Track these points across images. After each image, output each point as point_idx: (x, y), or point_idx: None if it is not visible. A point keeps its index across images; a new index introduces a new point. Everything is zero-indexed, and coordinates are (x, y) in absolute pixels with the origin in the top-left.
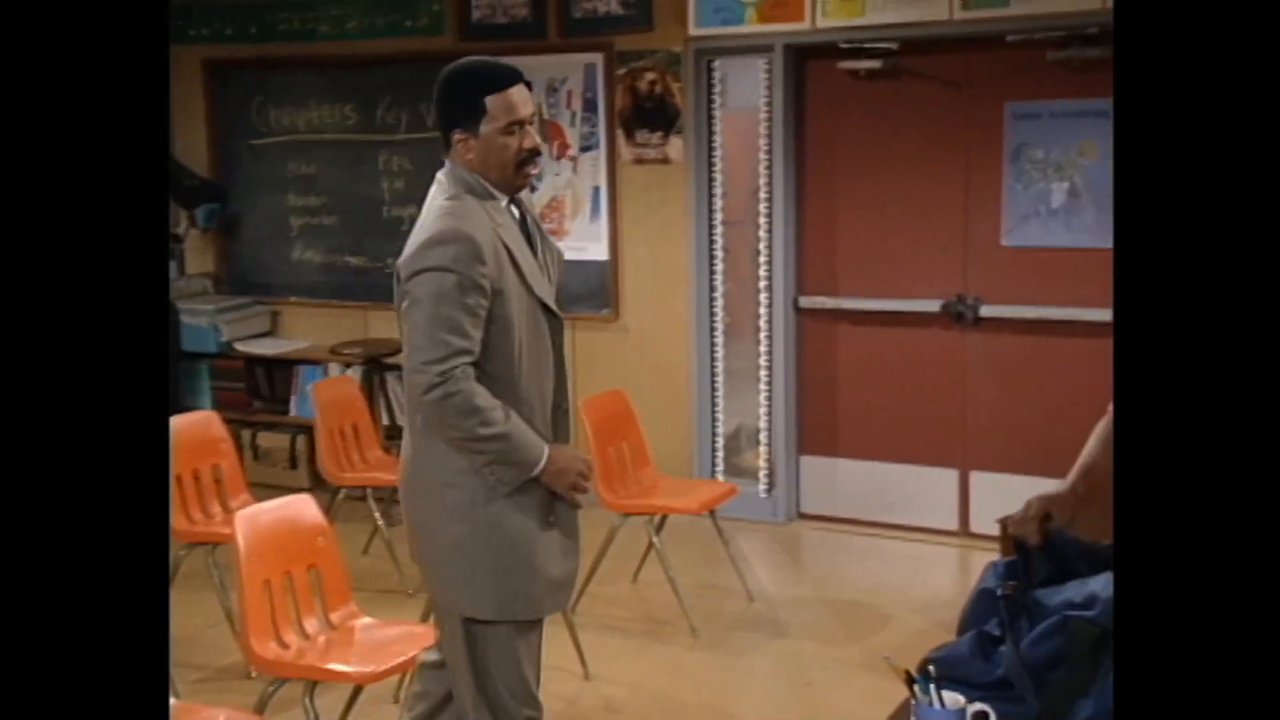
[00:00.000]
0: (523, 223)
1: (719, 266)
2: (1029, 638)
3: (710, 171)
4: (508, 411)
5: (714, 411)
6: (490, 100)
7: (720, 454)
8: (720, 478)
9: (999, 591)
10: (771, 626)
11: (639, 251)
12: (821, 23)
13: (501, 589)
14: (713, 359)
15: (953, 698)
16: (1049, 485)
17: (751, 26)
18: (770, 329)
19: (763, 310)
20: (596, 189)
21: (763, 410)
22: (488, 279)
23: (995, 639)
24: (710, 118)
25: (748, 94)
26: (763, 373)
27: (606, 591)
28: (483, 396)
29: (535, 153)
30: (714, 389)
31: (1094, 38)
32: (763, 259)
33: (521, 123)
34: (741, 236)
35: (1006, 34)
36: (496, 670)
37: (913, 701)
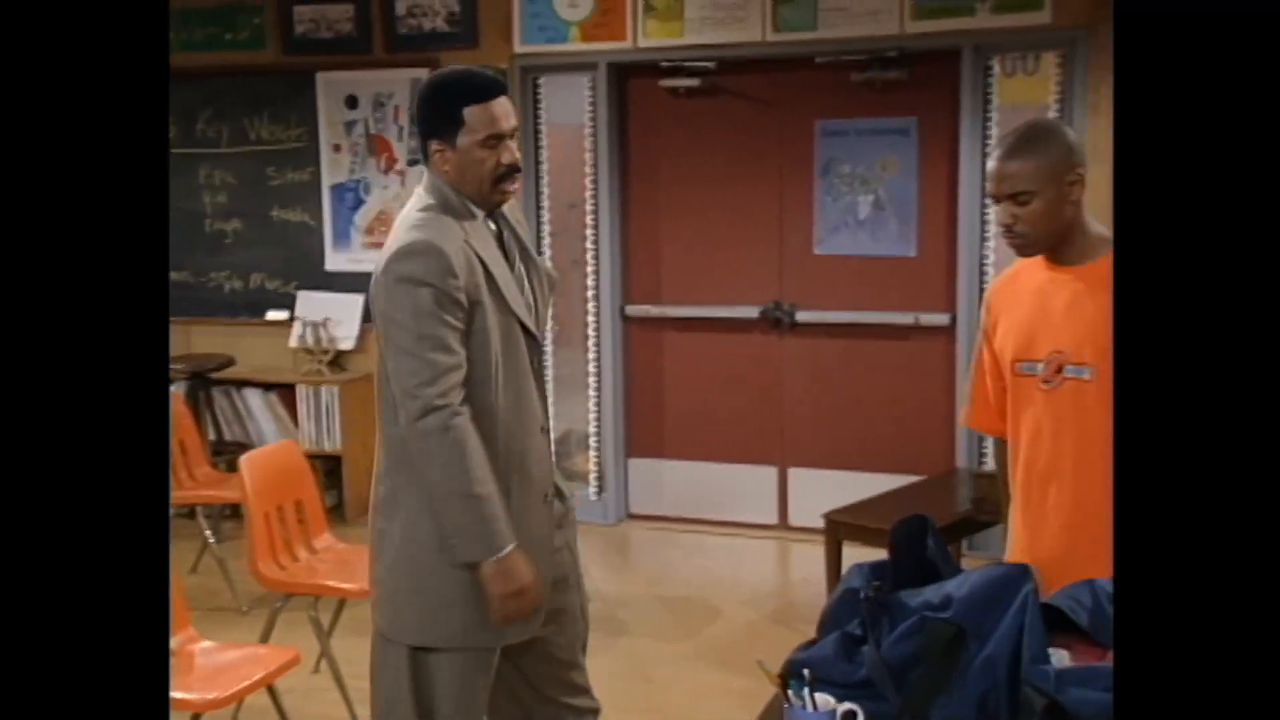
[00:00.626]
0: (499, 238)
1: None
2: (889, 638)
3: (537, 185)
4: (495, 482)
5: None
6: (469, 111)
7: (551, 458)
8: None
9: (863, 593)
10: (609, 625)
11: None
12: (643, 42)
13: (466, 615)
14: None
15: (823, 699)
16: (863, 479)
17: (575, 45)
18: (598, 336)
19: (590, 318)
20: None
21: (592, 415)
22: (463, 291)
23: (858, 639)
24: (536, 133)
25: (572, 110)
26: (591, 379)
27: None
28: (478, 448)
29: (514, 168)
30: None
31: (893, 60)
32: (590, 269)
33: (501, 136)
34: (569, 247)
35: (815, 56)
36: (443, 702)
37: (785, 705)
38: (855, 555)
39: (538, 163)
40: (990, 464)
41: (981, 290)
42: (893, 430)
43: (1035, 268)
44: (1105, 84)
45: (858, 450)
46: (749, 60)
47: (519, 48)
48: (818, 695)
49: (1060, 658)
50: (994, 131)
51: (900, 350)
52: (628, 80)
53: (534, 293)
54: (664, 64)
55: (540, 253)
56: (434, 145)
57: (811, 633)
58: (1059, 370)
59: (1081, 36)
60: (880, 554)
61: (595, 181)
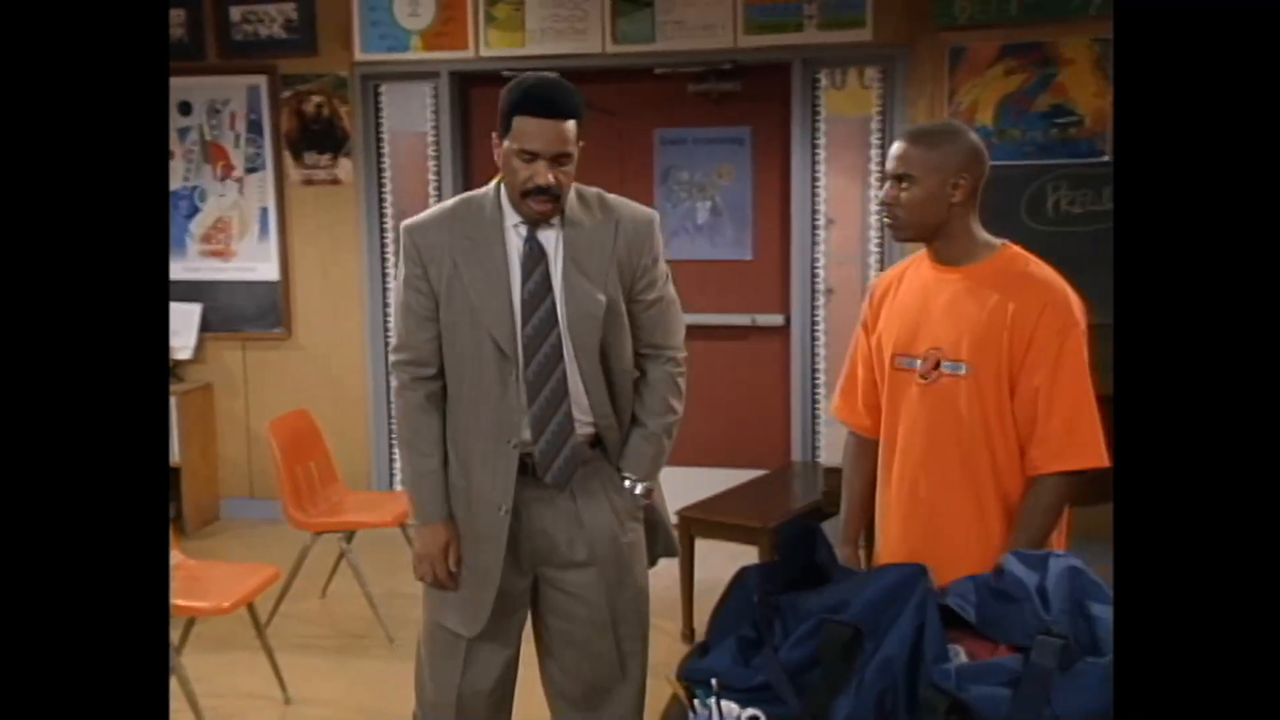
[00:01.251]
0: (527, 246)
1: (391, 284)
2: (787, 642)
3: (381, 192)
4: (438, 451)
5: (390, 424)
6: (518, 120)
7: (398, 464)
8: (399, 488)
9: (754, 596)
10: None
11: (311, 270)
12: (485, 52)
13: (435, 591)
14: (388, 373)
15: (727, 706)
16: (705, 475)
17: (417, 54)
18: None
19: None
20: (265, 210)
21: None
22: (424, 279)
23: (753, 643)
24: (379, 140)
25: (415, 117)
26: None
27: (297, 610)
28: (414, 417)
29: (543, 190)
30: (389, 402)
31: (728, 73)
32: None
33: (535, 155)
34: None
35: (654, 67)
36: (421, 667)
37: (691, 714)
38: (707, 549)
39: (380, 170)
40: (826, 458)
41: (814, 292)
42: (733, 427)
43: (921, 265)
44: (923, 98)
45: (701, 447)
46: (590, 70)
47: (359, 55)
48: (722, 703)
49: (957, 653)
50: (822, 140)
51: (739, 350)
52: (470, 89)
53: (547, 312)
54: (506, 73)
55: (385, 259)
56: (494, 138)
57: (665, 625)
58: (936, 366)
59: (900, 54)
60: (730, 547)
61: (439, 189)
